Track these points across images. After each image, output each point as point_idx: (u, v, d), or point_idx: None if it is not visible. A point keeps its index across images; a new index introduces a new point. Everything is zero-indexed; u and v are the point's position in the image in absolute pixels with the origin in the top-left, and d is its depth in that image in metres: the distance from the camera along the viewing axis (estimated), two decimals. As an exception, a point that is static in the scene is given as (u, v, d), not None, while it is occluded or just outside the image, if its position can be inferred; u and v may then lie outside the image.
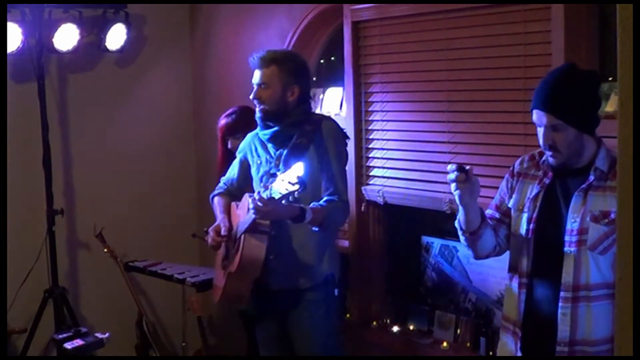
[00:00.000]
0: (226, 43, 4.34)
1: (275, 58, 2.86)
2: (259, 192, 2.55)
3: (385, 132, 3.48)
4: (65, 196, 4.18)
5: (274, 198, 2.47)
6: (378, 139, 3.51)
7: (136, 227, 4.45)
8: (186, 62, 4.62)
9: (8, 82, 3.93)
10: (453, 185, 2.22)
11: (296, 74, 2.86)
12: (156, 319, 4.54)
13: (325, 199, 2.79)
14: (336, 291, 3.03)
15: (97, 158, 4.33)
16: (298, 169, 2.35)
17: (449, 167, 2.23)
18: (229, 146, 3.47)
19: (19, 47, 3.66)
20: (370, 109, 3.55)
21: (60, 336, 3.12)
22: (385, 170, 3.49)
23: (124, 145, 4.42)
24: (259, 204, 2.54)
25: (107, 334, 3.11)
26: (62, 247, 4.15)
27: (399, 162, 3.43)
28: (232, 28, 4.27)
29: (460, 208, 2.29)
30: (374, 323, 3.68)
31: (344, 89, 3.66)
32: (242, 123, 3.42)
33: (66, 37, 3.80)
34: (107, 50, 4.04)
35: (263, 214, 2.59)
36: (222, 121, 3.51)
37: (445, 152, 3.21)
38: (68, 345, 3.03)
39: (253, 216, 2.63)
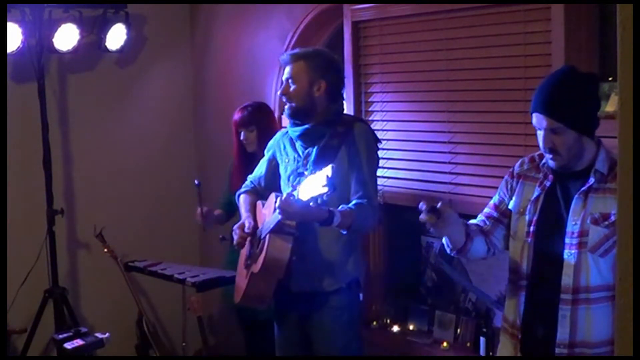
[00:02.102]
0: (226, 43, 4.34)
1: (304, 54, 2.86)
2: (288, 193, 2.49)
3: (385, 132, 3.48)
4: (65, 196, 4.18)
5: (301, 199, 2.42)
6: (378, 139, 3.51)
7: (136, 227, 4.45)
8: (186, 62, 4.62)
9: (8, 82, 3.93)
10: (426, 224, 2.24)
11: (323, 70, 2.83)
12: (156, 319, 4.54)
13: (354, 202, 2.71)
14: (360, 296, 2.95)
15: (97, 158, 4.33)
16: (327, 170, 2.30)
17: (420, 205, 2.23)
18: (242, 138, 3.46)
19: (19, 47, 3.66)
20: (370, 109, 3.55)
21: (60, 336, 3.11)
22: (385, 170, 3.49)
23: (124, 145, 4.43)
24: (285, 204, 2.48)
25: (107, 334, 3.11)
26: (62, 247, 4.15)
27: (399, 161, 3.44)
28: (232, 28, 4.27)
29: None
30: (374, 323, 3.68)
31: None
32: (257, 116, 3.43)
33: (66, 37, 3.80)
34: (107, 50, 4.04)
35: (289, 215, 2.51)
36: (237, 114, 3.49)
37: (445, 152, 3.21)
38: (68, 345, 3.03)
39: (279, 218, 2.55)
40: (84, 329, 3.23)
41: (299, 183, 2.46)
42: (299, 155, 2.88)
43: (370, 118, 3.55)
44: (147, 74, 4.49)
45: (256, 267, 2.77)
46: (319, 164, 2.58)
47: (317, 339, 2.91)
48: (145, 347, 4.19)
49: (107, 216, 4.22)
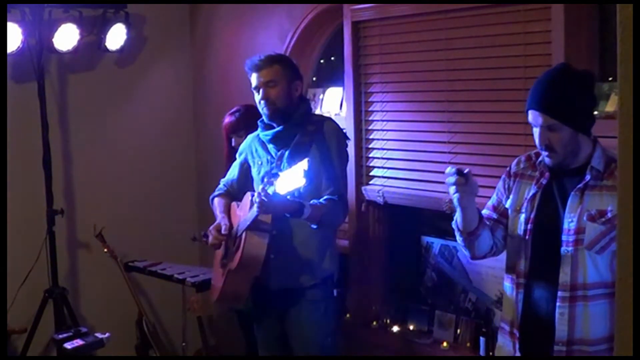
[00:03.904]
0: (226, 43, 4.34)
1: (276, 58, 2.94)
2: (263, 188, 2.55)
3: (385, 132, 3.48)
4: (65, 196, 4.18)
5: (278, 193, 2.48)
6: (378, 139, 3.51)
7: (136, 227, 4.45)
8: (186, 62, 4.62)
9: (8, 82, 3.93)
10: (452, 189, 2.23)
11: (295, 72, 2.95)
12: (156, 319, 4.54)
13: (325, 197, 2.80)
14: (335, 291, 3.04)
15: (97, 158, 4.33)
16: (304, 164, 2.38)
17: (448, 170, 2.24)
18: (233, 144, 3.48)
19: (19, 47, 3.66)
20: (370, 109, 3.55)
21: (60, 336, 3.11)
22: (385, 170, 3.49)
23: (124, 145, 4.43)
24: (263, 199, 2.54)
25: (107, 334, 3.11)
26: (62, 247, 4.15)
27: (399, 162, 3.44)
28: (232, 28, 4.27)
29: (458, 209, 2.30)
30: (374, 323, 3.68)
31: (344, 89, 3.66)
32: (246, 121, 3.44)
33: (66, 37, 3.80)
34: (107, 50, 4.04)
35: (266, 208, 2.59)
36: (226, 120, 3.52)
37: (445, 152, 3.21)
38: (68, 345, 3.03)
39: (256, 212, 2.62)
40: (84, 329, 3.23)
41: (275, 179, 2.50)
42: (272, 157, 2.95)
43: (370, 118, 3.55)
44: (147, 74, 4.49)
45: (233, 264, 2.83)
46: (293, 160, 2.66)
47: (293, 334, 2.98)
48: (145, 347, 4.19)
49: (107, 216, 4.22)
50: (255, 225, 2.74)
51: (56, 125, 4.12)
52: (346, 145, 2.99)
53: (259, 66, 2.89)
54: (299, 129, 2.87)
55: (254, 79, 2.91)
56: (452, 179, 2.21)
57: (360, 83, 3.56)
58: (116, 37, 4.03)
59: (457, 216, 2.34)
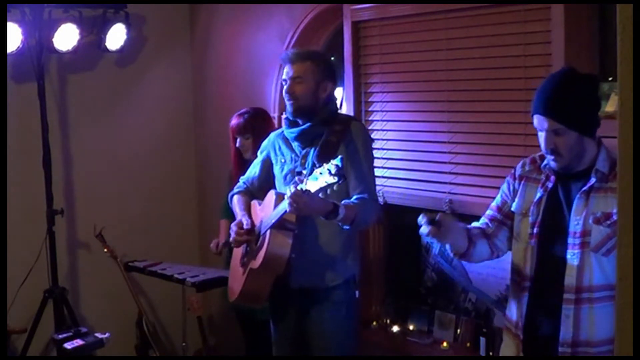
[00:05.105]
0: (226, 43, 4.34)
1: (310, 54, 2.92)
2: (295, 185, 2.51)
3: (385, 132, 3.48)
4: (65, 196, 4.18)
5: (309, 191, 2.44)
6: (378, 139, 3.51)
7: (136, 227, 4.45)
8: (186, 62, 4.62)
9: (8, 82, 3.93)
10: (428, 236, 2.26)
11: (328, 71, 2.90)
12: (156, 319, 4.54)
13: (356, 196, 2.76)
14: (357, 293, 3.00)
15: (97, 158, 4.33)
16: (337, 161, 2.34)
17: (419, 219, 2.25)
18: (238, 145, 3.47)
19: (19, 47, 3.66)
20: (370, 109, 3.55)
21: (60, 336, 3.12)
22: (385, 170, 3.49)
23: (124, 145, 4.43)
24: (296, 196, 2.50)
25: (107, 334, 3.11)
26: (62, 247, 4.15)
27: (399, 162, 3.44)
28: (232, 28, 4.27)
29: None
30: (374, 323, 3.68)
31: (344, 89, 3.66)
32: (253, 124, 3.42)
33: (66, 37, 3.80)
34: (107, 50, 4.04)
35: (298, 206, 2.53)
36: (234, 121, 3.49)
37: (445, 152, 3.21)
38: (68, 345, 3.03)
39: (286, 209, 2.57)
40: (84, 329, 3.23)
41: (307, 176, 2.47)
42: (296, 155, 2.91)
43: (370, 118, 3.55)
44: (147, 74, 4.49)
45: (256, 263, 2.80)
46: (322, 158, 2.59)
47: (314, 334, 2.94)
48: (145, 347, 4.19)
49: (107, 216, 4.22)
50: (280, 224, 2.70)
51: (56, 125, 4.12)
52: (372, 146, 2.96)
53: (291, 59, 2.86)
54: (326, 128, 2.82)
55: (285, 71, 2.89)
56: (425, 230, 2.23)
57: (360, 83, 3.56)
58: (116, 37, 4.02)
59: (445, 245, 2.39)
